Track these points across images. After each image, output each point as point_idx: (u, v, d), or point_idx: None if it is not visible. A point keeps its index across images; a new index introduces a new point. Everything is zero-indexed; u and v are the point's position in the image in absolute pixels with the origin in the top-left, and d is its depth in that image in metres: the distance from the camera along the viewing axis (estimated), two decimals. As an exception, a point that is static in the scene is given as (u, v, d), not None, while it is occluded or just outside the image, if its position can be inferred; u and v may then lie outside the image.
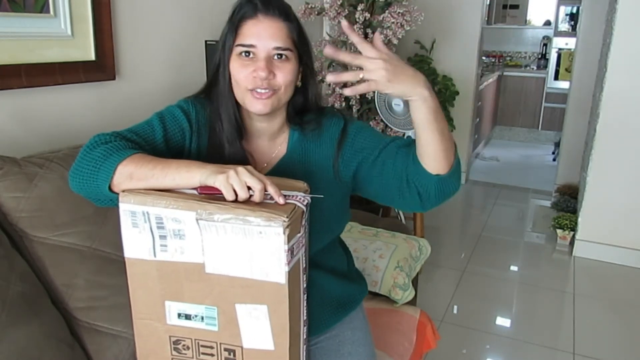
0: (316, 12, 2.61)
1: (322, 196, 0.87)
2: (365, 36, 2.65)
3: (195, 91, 1.06)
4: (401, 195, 0.95)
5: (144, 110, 1.10)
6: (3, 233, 1.06)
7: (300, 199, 0.81)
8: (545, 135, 6.10)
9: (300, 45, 0.97)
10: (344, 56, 0.82)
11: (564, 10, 5.86)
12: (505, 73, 6.16)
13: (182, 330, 0.86)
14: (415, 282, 1.78)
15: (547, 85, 5.99)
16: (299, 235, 0.80)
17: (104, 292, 1.14)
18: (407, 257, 1.73)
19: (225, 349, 0.86)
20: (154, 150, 0.93)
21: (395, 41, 2.57)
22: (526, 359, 2.16)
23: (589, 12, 3.83)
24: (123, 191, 0.82)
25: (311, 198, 0.85)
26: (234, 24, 0.95)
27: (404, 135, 2.21)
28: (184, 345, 0.88)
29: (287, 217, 0.75)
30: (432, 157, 0.89)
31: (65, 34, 1.42)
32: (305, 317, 0.90)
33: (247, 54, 0.94)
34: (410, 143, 0.95)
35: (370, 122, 2.68)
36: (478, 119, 4.80)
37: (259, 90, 0.94)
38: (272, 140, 1.05)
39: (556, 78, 5.91)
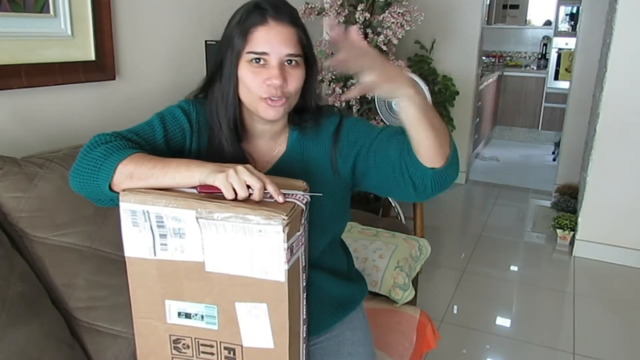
0: (316, 12, 2.61)
1: (321, 194, 0.87)
2: (365, 36, 2.66)
3: (193, 90, 1.06)
4: (397, 185, 0.95)
5: (144, 110, 1.11)
6: (3, 233, 1.06)
7: (299, 197, 0.82)
8: (545, 135, 6.10)
9: (308, 49, 0.98)
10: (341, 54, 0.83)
11: (564, 10, 5.87)
12: (505, 73, 6.16)
13: (182, 329, 0.87)
14: (415, 282, 1.78)
15: (547, 85, 5.99)
16: (298, 233, 0.80)
17: (104, 292, 1.14)
18: (407, 257, 1.73)
19: (225, 348, 0.86)
20: (154, 150, 0.93)
21: (395, 41, 2.58)
22: (526, 359, 2.15)
23: (589, 12, 3.83)
24: (123, 190, 0.82)
25: (310, 197, 0.85)
26: (244, 29, 0.93)
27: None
28: (184, 344, 0.88)
29: (286, 216, 0.75)
30: (427, 152, 0.89)
31: (65, 34, 1.42)
32: (305, 316, 0.90)
33: (257, 60, 0.93)
34: (400, 131, 0.94)
35: (371, 122, 2.68)
36: (478, 119, 4.80)
37: (273, 98, 0.93)
38: (273, 140, 1.05)
39: (556, 78, 5.91)
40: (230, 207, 0.76)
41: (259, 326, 0.83)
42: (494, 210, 3.91)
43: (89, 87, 1.53)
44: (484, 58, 5.32)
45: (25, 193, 1.07)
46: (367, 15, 2.58)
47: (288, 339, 0.83)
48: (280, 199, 0.79)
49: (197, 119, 1.01)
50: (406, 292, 1.61)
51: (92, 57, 1.50)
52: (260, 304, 0.81)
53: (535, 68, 6.24)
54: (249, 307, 0.82)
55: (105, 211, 1.16)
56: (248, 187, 0.78)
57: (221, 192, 0.77)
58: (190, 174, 0.80)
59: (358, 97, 2.68)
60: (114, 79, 1.59)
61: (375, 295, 1.64)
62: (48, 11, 1.36)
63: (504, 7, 6.43)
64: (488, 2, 5.45)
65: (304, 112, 1.04)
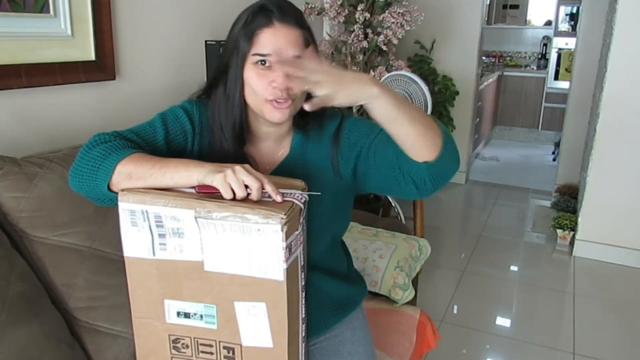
0: (316, 12, 2.61)
1: (319, 193, 0.87)
2: (365, 36, 2.66)
3: (196, 90, 1.05)
4: (398, 184, 0.94)
5: (144, 110, 1.11)
6: (3, 233, 1.06)
7: (298, 196, 0.82)
8: (545, 135, 6.10)
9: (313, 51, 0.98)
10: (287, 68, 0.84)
11: (564, 10, 5.87)
12: (505, 73, 6.16)
13: (181, 328, 0.87)
14: (415, 282, 1.78)
15: (547, 85, 5.99)
16: (296, 232, 0.80)
17: (104, 292, 1.14)
18: (407, 257, 1.73)
19: (225, 347, 0.86)
20: (154, 150, 0.93)
21: (395, 41, 2.58)
22: (526, 359, 2.15)
23: (589, 12, 3.83)
24: (122, 190, 0.82)
25: (309, 196, 0.85)
26: (249, 32, 0.93)
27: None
28: (183, 343, 0.88)
29: (284, 215, 0.75)
30: (413, 147, 0.88)
31: (65, 34, 1.42)
32: (304, 315, 0.90)
33: (263, 62, 0.93)
34: None
35: (372, 121, 2.68)
36: (478, 119, 4.80)
37: (278, 100, 0.93)
38: (277, 143, 1.05)
39: (556, 78, 5.91)
40: (229, 207, 0.76)
41: (258, 325, 0.83)
42: (494, 210, 3.91)
43: (89, 87, 1.53)
44: (484, 58, 5.32)
45: (25, 193, 1.07)
46: (367, 15, 2.58)
47: (287, 338, 0.83)
48: (279, 198, 0.79)
49: (199, 121, 1.00)
50: (406, 292, 1.62)
51: (92, 57, 1.50)
52: (259, 303, 0.81)
53: (535, 68, 6.24)
54: (248, 307, 0.82)
55: (105, 211, 1.16)
56: (246, 186, 0.78)
57: (220, 192, 0.77)
58: (188, 174, 0.80)
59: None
60: (114, 79, 1.59)
61: (375, 295, 1.64)
62: (48, 11, 1.36)
63: (504, 7, 6.43)
64: (488, 2, 5.46)
65: (306, 114, 1.04)
